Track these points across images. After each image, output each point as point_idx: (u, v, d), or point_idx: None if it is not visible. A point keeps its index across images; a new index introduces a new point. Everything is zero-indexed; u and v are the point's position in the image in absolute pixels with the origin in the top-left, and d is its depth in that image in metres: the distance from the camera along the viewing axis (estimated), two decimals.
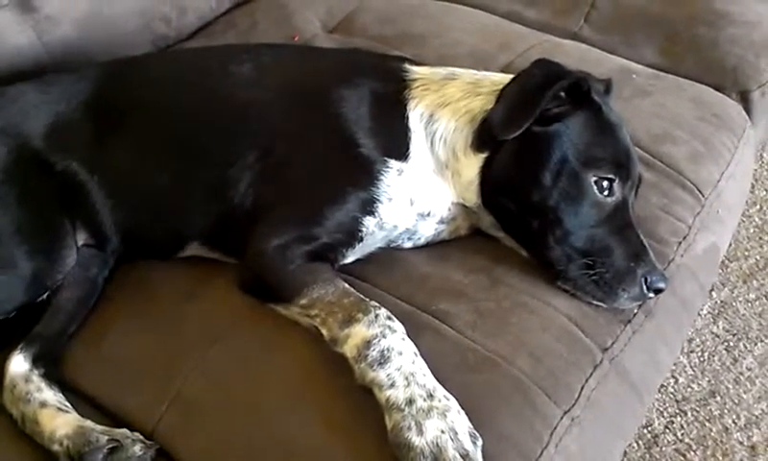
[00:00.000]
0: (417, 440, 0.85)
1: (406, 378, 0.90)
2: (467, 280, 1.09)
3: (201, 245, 1.16)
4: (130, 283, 1.18)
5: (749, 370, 1.82)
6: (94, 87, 1.21)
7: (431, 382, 0.91)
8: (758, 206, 2.27)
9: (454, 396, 0.91)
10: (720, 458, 1.64)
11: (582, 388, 1.00)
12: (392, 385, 0.90)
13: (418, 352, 0.94)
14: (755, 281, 2.04)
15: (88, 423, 1.00)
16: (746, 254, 2.12)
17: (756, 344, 1.88)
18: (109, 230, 1.17)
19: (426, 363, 0.93)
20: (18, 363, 1.07)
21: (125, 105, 1.20)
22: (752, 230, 2.19)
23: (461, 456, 0.85)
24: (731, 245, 2.13)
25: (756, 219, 2.23)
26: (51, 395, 1.04)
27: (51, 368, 1.08)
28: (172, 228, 1.16)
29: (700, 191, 1.30)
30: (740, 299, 1.99)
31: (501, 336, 1.02)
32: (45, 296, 1.12)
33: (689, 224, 1.25)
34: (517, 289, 1.08)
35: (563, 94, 1.08)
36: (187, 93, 1.21)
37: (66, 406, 1.03)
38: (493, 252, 1.14)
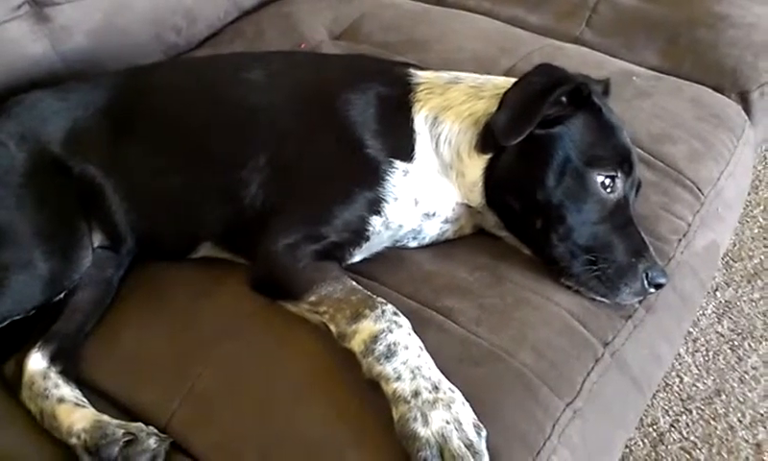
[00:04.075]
0: (422, 430, 0.88)
1: (412, 372, 0.92)
2: (471, 278, 1.12)
3: (213, 245, 1.19)
4: (144, 283, 1.20)
5: (754, 368, 1.82)
6: (110, 94, 1.25)
7: (436, 375, 0.93)
8: (762, 207, 2.28)
9: (459, 388, 0.93)
10: (725, 456, 1.64)
11: (584, 381, 1.02)
12: (398, 378, 0.92)
13: (423, 347, 0.96)
14: (759, 281, 2.05)
15: (105, 417, 1.02)
16: (750, 254, 2.13)
17: (760, 343, 1.89)
18: (124, 232, 1.20)
19: (431, 357, 0.96)
20: (36, 361, 1.10)
21: (139, 111, 1.23)
22: (756, 231, 2.21)
23: (465, 446, 0.87)
24: (735, 245, 2.15)
25: (761, 220, 2.24)
26: (68, 391, 1.07)
27: (68, 365, 1.10)
28: (185, 229, 1.19)
29: (699, 189, 1.31)
30: (744, 298, 2.01)
31: (504, 331, 1.04)
32: (62, 295, 1.15)
33: (689, 221, 1.26)
34: (520, 286, 1.10)
35: (563, 99, 1.10)
36: (199, 99, 1.24)
37: (83, 402, 1.06)
38: (497, 250, 1.16)
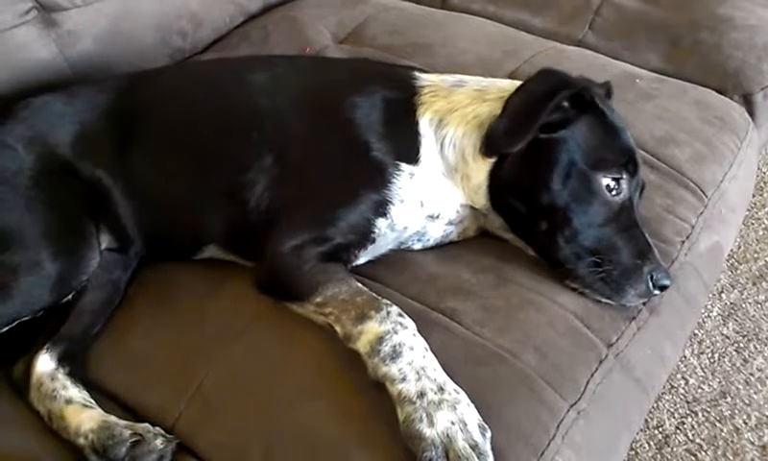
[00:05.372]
0: (428, 431, 0.88)
1: (417, 373, 0.93)
2: (475, 279, 1.12)
3: (219, 247, 1.20)
4: (151, 284, 1.21)
5: (759, 371, 1.82)
6: (117, 98, 1.26)
7: (441, 376, 0.94)
8: (767, 209, 2.28)
9: (463, 389, 0.93)
10: (731, 458, 1.64)
11: (587, 382, 1.02)
12: (403, 379, 0.92)
13: (428, 348, 0.97)
14: (764, 283, 2.05)
15: (112, 418, 1.03)
16: (755, 256, 2.13)
17: (766, 345, 1.88)
18: (131, 234, 1.21)
19: (436, 358, 0.96)
20: (45, 362, 1.11)
21: (146, 114, 1.24)
22: (761, 233, 2.21)
23: (470, 447, 0.88)
24: (740, 247, 2.15)
25: (766, 221, 2.24)
26: (76, 392, 1.08)
27: (76, 366, 1.11)
28: (191, 231, 1.20)
29: (703, 192, 1.32)
30: (750, 300, 2.00)
31: (508, 332, 1.04)
32: (70, 297, 1.16)
33: (692, 224, 1.27)
34: (525, 287, 1.10)
35: (566, 103, 1.11)
36: (205, 102, 1.25)
37: (91, 403, 1.07)
38: (501, 251, 1.17)
